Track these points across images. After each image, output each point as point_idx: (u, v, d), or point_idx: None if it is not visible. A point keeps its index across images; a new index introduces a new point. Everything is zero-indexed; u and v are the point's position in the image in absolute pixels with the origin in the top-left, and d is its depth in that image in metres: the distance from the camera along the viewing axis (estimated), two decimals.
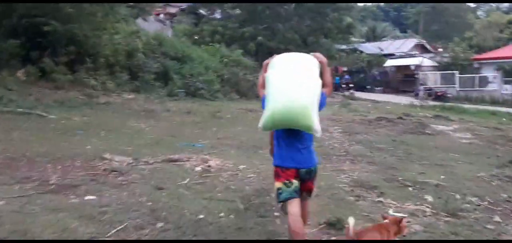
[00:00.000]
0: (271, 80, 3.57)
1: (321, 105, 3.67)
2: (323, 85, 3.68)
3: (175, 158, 7.26)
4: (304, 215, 3.80)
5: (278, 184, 3.68)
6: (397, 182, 6.98)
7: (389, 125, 13.63)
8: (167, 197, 5.34)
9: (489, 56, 32.98)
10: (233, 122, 12.95)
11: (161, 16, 47.77)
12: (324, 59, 3.80)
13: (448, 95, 29.42)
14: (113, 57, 17.80)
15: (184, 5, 35.26)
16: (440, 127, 13.75)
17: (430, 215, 5.41)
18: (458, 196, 6.34)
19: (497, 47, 36.42)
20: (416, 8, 58.10)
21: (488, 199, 6.22)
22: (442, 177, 7.48)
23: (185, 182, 6.05)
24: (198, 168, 6.81)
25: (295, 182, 3.63)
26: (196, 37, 29.05)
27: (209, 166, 7.01)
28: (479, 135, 12.53)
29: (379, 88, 37.10)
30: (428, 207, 5.76)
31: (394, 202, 5.86)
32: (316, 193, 6.05)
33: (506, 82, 29.78)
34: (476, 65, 33.58)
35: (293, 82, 3.46)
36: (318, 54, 3.84)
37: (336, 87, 35.40)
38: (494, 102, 28.46)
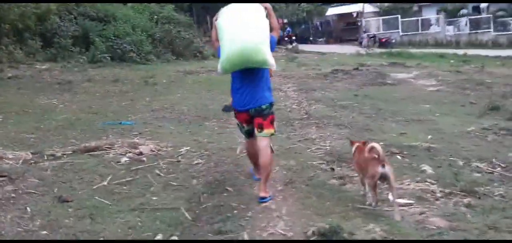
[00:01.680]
0: (223, 27, 3.75)
1: (272, 47, 3.81)
2: (271, 29, 3.88)
3: (93, 145, 5.33)
4: (262, 156, 3.91)
5: (237, 121, 4.16)
6: None
7: (347, 78, 12.36)
8: (73, 215, 3.52)
9: None
10: (170, 88, 11.01)
11: None
12: (269, 5, 3.97)
13: (392, 41, 28.97)
14: (20, 21, 14.86)
15: None
16: (400, 75, 12.70)
17: (442, 197, 4.05)
18: (460, 163, 5.07)
19: None
20: None
21: (497, 163, 5.01)
22: (429, 137, 6.22)
23: (105, 183, 4.23)
24: (125, 159, 4.97)
25: (246, 127, 4.05)
26: None
27: (140, 153, 5.18)
28: (444, 81, 11.59)
29: (321, 39, 36.06)
30: (432, 183, 4.42)
31: None
32: (289, 179, 4.55)
33: (449, 23, 29.77)
34: (415, 8, 33.42)
35: (244, 25, 3.65)
36: (263, 3, 3.96)
37: (279, 41, 33.88)
38: (438, 44, 28.39)
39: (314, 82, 11.96)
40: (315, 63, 18.00)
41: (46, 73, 12.15)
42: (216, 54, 3.99)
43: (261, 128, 3.91)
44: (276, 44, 4.02)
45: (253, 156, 4.09)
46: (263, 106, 3.88)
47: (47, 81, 10.94)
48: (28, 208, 3.59)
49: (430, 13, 31.77)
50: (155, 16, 20.79)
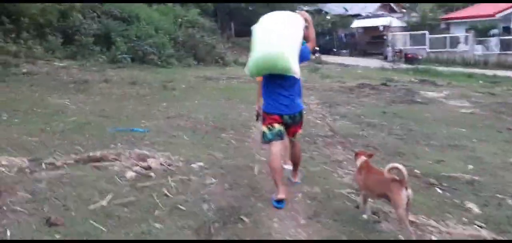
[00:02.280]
0: (255, 33, 3.91)
1: (304, 57, 4.06)
2: (307, 40, 4.15)
3: (98, 155, 4.86)
4: (296, 155, 4.40)
5: (263, 128, 4.09)
6: (415, 179, 4.95)
7: (374, 93, 11.70)
8: None
9: (458, 15, 31.73)
10: (188, 94, 10.56)
11: None
12: (309, 17, 4.14)
13: (419, 57, 28.04)
14: (41, 16, 14.73)
15: None
16: (430, 94, 11.96)
17: None
18: (510, 201, 4.41)
19: (465, 6, 35.32)
20: None
21: None
22: (469, 167, 5.56)
23: (104, 203, 3.72)
24: (131, 173, 4.47)
25: (278, 127, 4.02)
26: None
27: (148, 167, 4.68)
28: (477, 103, 10.80)
29: (345, 51, 35.31)
30: (481, 225, 3.78)
31: (430, 221, 3.82)
32: (314, 211, 3.97)
33: (478, 43, 28.64)
34: (443, 26, 32.34)
35: (273, 32, 3.79)
36: (303, 12, 4.15)
37: None
38: (466, 63, 27.23)
39: (339, 95, 11.35)
40: (339, 75, 17.38)
41: (63, 70, 11.88)
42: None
43: (294, 135, 4.22)
44: (310, 54, 4.22)
45: (278, 166, 3.99)
46: (297, 114, 4.09)
47: (63, 79, 10.64)
48: (8, 231, 3.10)
49: (458, 31, 30.62)
50: (179, 20, 20.52)
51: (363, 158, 3.88)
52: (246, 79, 14.15)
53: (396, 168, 3.30)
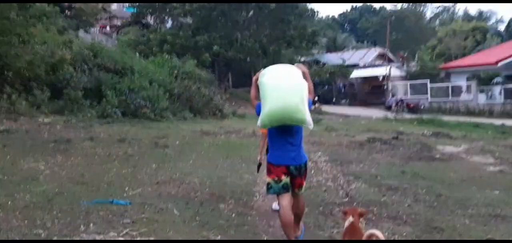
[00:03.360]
0: (266, 84, 3.90)
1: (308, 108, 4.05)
2: (308, 92, 4.10)
3: None
4: (299, 208, 4.25)
5: (268, 180, 4.07)
6: None
7: (386, 149, 10.67)
8: None
9: (459, 64, 31.31)
10: (183, 152, 9.51)
11: (107, 28, 43.76)
12: (306, 70, 4.24)
13: (421, 107, 27.34)
14: (29, 70, 13.87)
15: (126, 5, 31.31)
16: (448, 149, 10.94)
17: None
18: None
19: (464, 55, 35.11)
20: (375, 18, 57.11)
21: None
22: None
23: None
24: None
25: (284, 179, 4.00)
26: (142, 46, 25.27)
27: None
28: (503, 158, 9.76)
29: (344, 101, 34.73)
30: None
31: None
32: None
33: (480, 91, 28.04)
34: (442, 75, 31.86)
35: (286, 85, 3.84)
36: (301, 65, 4.31)
37: None
38: (469, 112, 26.49)
39: (349, 151, 10.32)
40: (343, 126, 16.46)
41: (46, 128, 10.89)
42: (255, 111, 4.17)
43: (300, 187, 4.16)
44: (311, 105, 4.19)
45: (290, 220, 4.00)
46: (302, 165, 4.10)
47: (43, 138, 9.61)
48: None
49: (459, 80, 30.06)
50: (175, 71, 19.80)
51: (350, 219, 3.67)
52: (246, 133, 13.19)
53: (374, 233, 3.29)
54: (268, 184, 4.04)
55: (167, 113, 15.33)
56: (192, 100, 17.42)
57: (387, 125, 18.80)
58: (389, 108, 28.48)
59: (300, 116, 3.77)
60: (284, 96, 3.76)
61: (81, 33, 27.61)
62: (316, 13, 30.05)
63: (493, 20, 60.39)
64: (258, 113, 3.98)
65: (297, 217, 4.25)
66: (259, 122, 3.94)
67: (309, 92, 4.10)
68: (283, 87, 3.80)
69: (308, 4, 29.71)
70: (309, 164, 9.05)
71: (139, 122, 13.50)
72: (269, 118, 3.84)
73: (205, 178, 7.16)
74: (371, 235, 3.29)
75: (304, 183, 4.20)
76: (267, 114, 3.82)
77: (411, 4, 53.27)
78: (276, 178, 3.98)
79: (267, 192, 4.14)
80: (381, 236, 3.28)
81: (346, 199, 6.41)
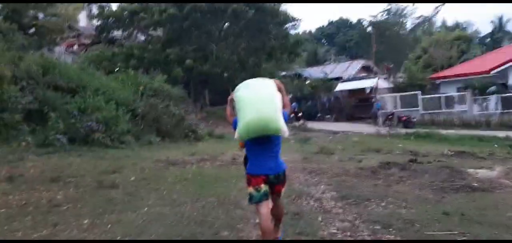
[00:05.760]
0: (241, 97, 4.03)
1: (285, 120, 4.08)
2: (283, 106, 4.18)
3: None
4: (278, 212, 4.34)
5: (249, 190, 4.12)
6: None
7: (407, 177, 8.24)
8: None
9: (449, 73, 29.57)
10: (136, 194, 6.89)
11: (75, 47, 40.71)
12: (281, 84, 4.31)
13: (413, 119, 25.36)
14: None
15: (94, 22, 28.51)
16: (482, 173, 8.61)
17: None
18: None
19: (449, 65, 33.55)
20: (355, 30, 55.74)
21: None
22: None
23: None
24: None
25: (264, 187, 4.08)
26: (106, 63, 22.53)
27: None
28: None
29: (329, 116, 32.56)
30: None
31: None
32: None
33: (474, 101, 26.30)
34: (428, 86, 30.12)
35: (259, 96, 3.98)
36: (276, 80, 4.36)
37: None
38: (465, 124, 24.64)
39: (361, 183, 7.85)
40: (339, 146, 14.07)
41: None
42: (232, 127, 4.20)
43: (279, 193, 4.24)
44: (288, 117, 4.26)
45: (269, 227, 4.07)
46: (281, 173, 4.18)
47: None
48: None
49: (449, 90, 28.29)
50: (141, 88, 17.14)
51: None
52: (224, 160, 10.66)
53: None
54: (250, 194, 4.10)
55: (127, 138, 12.62)
56: (159, 120, 14.75)
57: (384, 142, 16.62)
58: (377, 121, 26.46)
59: (275, 125, 3.89)
60: (258, 107, 3.88)
61: (45, 52, 24.90)
62: (298, 22, 27.60)
63: (471, 31, 59.89)
64: (235, 128, 4.05)
65: (277, 220, 4.39)
66: (236, 135, 4.04)
67: (285, 106, 4.22)
68: (257, 98, 3.93)
69: (287, 10, 27.35)
70: (311, 204, 6.62)
71: (89, 150, 10.78)
72: (246, 130, 3.92)
73: (163, 237, 4.61)
74: None
75: (283, 190, 4.29)
76: (243, 126, 3.92)
77: (392, 14, 51.97)
78: (257, 187, 4.06)
79: (249, 202, 4.17)
80: None
81: None
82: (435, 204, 6.36)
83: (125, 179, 7.83)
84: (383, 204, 6.44)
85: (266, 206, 4.04)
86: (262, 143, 4.02)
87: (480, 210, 6.03)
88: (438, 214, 5.82)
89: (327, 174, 8.57)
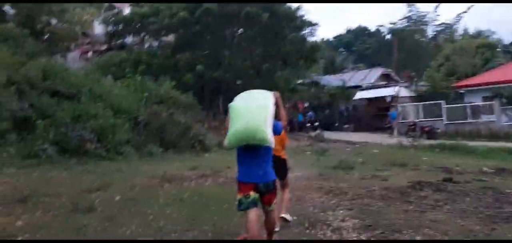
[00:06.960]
0: (233, 107, 4.26)
1: (275, 131, 4.35)
2: (280, 118, 4.71)
3: None
4: (270, 224, 4.44)
5: (238, 196, 4.22)
6: None
7: (444, 200, 6.84)
8: None
9: (475, 82, 27.76)
10: (116, 220, 5.66)
11: (90, 54, 40.18)
12: (279, 97, 4.47)
13: (437, 130, 23.72)
14: None
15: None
16: None
17: None
18: None
19: (473, 74, 31.70)
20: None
21: None
22: None
23: None
24: None
25: (253, 195, 4.17)
26: (114, 68, 21.62)
27: None
28: None
29: (347, 126, 31.06)
30: None
31: None
32: None
33: (503, 111, 24.50)
34: (451, 95, 28.38)
35: (249, 107, 4.18)
36: (275, 93, 4.49)
37: (300, 126, 28.91)
38: (493, 136, 22.84)
39: (387, 207, 6.49)
40: (359, 159, 12.69)
41: None
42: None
43: (269, 203, 4.30)
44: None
45: (256, 232, 4.11)
46: (270, 182, 4.29)
47: None
48: None
49: (474, 100, 26.51)
50: (145, 94, 16.09)
51: None
52: (228, 176, 9.39)
53: None
54: (239, 200, 4.17)
55: (126, 149, 11.48)
56: (163, 129, 13.60)
57: (408, 155, 15.13)
58: (395, 131, 24.93)
59: (261, 136, 3.99)
60: (247, 117, 4.04)
61: (57, 58, 24.28)
62: (315, 27, 26.11)
63: (492, 39, 57.51)
64: None
65: (269, 232, 4.49)
66: (225, 142, 4.15)
67: (281, 118, 4.69)
68: (247, 109, 4.12)
69: (304, 14, 25.90)
70: (330, 234, 5.32)
71: (79, 163, 9.67)
72: (234, 137, 4.07)
73: None
74: None
75: (273, 200, 4.34)
76: (232, 133, 4.07)
77: (412, 21, 50.12)
78: (246, 194, 4.13)
79: (238, 209, 4.22)
80: None
81: None
82: (484, 238, 4.98)
83: (108, 200, 6.64)
84: (418, 237, 5.09)
85: (254, 213, 4.11)
86: (251, 152, 4.15)
87: None
88: None
89: (347, 195, 7.21)
